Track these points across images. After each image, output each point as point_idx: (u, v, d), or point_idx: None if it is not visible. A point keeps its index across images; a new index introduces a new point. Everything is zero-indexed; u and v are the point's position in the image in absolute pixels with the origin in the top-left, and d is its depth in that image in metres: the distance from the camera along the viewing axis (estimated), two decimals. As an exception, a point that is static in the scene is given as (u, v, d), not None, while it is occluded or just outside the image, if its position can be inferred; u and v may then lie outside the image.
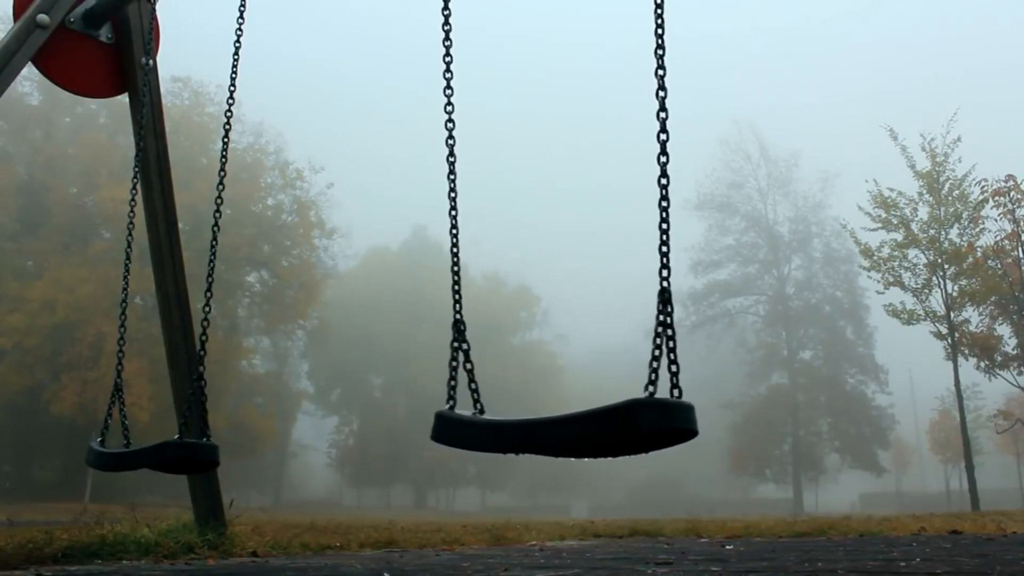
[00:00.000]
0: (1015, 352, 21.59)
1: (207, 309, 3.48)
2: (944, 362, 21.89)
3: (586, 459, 2.09)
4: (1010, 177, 21.08)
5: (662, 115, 1.99)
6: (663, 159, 1.97)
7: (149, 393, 28.42)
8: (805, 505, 45.61)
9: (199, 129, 35.94)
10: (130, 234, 4.02)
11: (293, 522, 8.62)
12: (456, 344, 2.30)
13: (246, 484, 45.02)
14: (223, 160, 3.71)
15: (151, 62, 4.42)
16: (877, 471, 46.97)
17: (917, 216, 21.88)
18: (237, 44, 3.78)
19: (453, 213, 2.51)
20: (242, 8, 3.82)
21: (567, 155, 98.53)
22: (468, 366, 2.28)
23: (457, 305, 2.39)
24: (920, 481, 64.76)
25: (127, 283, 3.96)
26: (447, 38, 2.58)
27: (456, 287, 2.43)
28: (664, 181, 1.96)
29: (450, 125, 2.52)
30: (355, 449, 56.70)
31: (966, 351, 21.49)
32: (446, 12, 2.59)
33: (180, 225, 4.65)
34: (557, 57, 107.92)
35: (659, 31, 2.05)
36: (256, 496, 45.73)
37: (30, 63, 4.05)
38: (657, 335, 1.86)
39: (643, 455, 2.04)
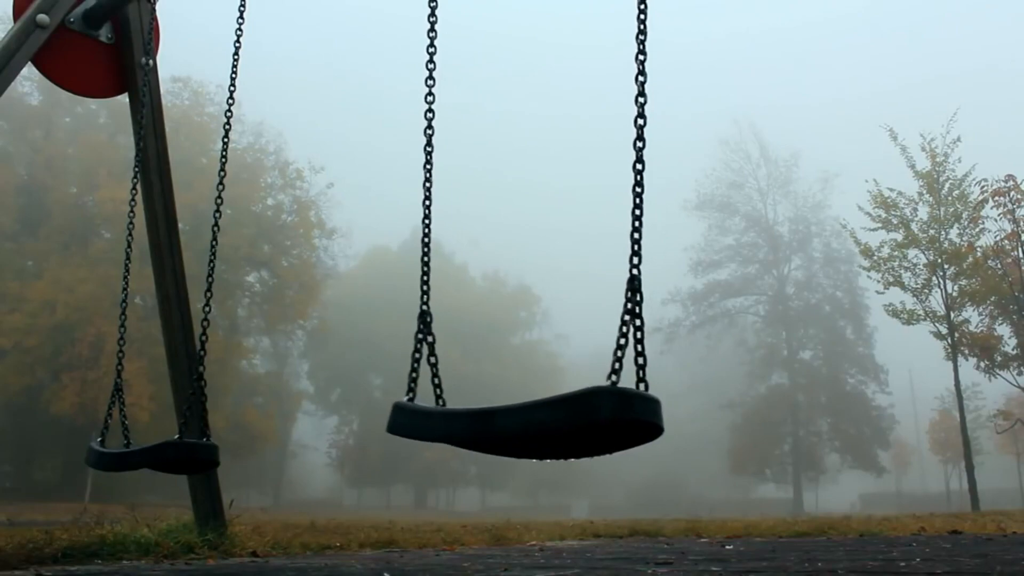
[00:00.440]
0: (1015, 352, 21.59)
1: (207, 309, 3.48)
2: (944, 362, 21.90)
3: (548, 460, 2.04)
4: (1010, 177, 21.09)
5: (640, 100, 1.96)
6: (639, 144, 1.93)
7: (149, 393, 28.42)
8: (805, 505, 45.60)
9: (199, 129, 35.94)
10: (130, 234, 4.02)
11: (293, 522, 8.62)
12: (421, 335, 2.25)
13: (246, 484, 45.06)
14: (223, 160, 3.71)
15: (151, 62, 4.41)
16: (877, 471, 46.96)
17: (917, 216, 21.90)
18: (237, 44, 3.78)
19: (427, 204, 2.49)
20: (242, 8, 3.82)
21: (567, 155, 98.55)
22: (432, 359, 2.23)
23: (424, 296, 2.34)
24: (920, 481, 64.75)
25: (127, 283, 3.96)
26: (432, 29, 2.57)
27: (425, 278, 2.39)
28: (640, 167, 1.93)
29: (429, 115, 2.50)
30: (355, 449, 56.69)
31: (966, 351, 21.49)
32: (433, 4, 2.59)
33: (180, 225, 4.65)
34: (558, 57, 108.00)
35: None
36: (256, 496, 45.79)
37: (30, 63, 4.05)
38: (624, 323, 1.79)
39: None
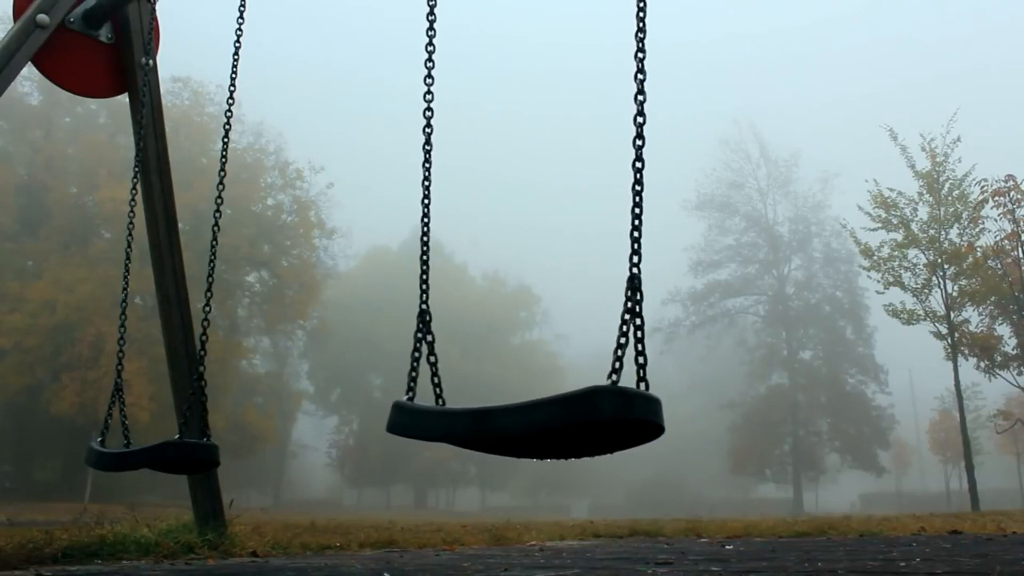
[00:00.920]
0: (1015, 352, 21.59)
1: (207, 309, 3.48)
2: (944, 362, 21.90)
3: (548, 460, 2.03)
4: (1010, 177, 21.09)
5: (640, 98, 1.97)
6: (639, 143, 1.94)
7: (149, 393, 28.41)
8: (805, 505, 45.60)
9: (199, 129, 35.93)
10: (130, 234, 4.02)
11: (293, 522, 8.62)
12: (420, 335, 2.24)
13: (246, 484, 45.05)
14: (223, 160, 3.71)
15: (151, 62, 4.41)
16: (877, 471, 46.96)
17: (917, 216, 21.90)
18: (237, 44, 3.78)
19: (426, 203, 2.49)
20: (242, 8, 3.82)
21: (567, 155, 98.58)
22: (432, 358, 2.22)
23: (424, 296, 2.33)
24: (920, 481, 64.74)
25: (127, 283, 3.96)
26: (431, 28, 2.58)
27: (424, 276, 2.38)
28: (639, 165, 1.93)
29: (428, 114, 2.50)
30: (355, 449, 56.68)
31: (966, 351, 21.49)
32: (432, 3, 2.59)
33: (180, 225, 4.66)
34: (557, 56, 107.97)
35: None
36: (256, 496, 45.79)
37: (30, 63, 4.05)
38: (624, 323, 1.79)
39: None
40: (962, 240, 21.49)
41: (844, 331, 49.07)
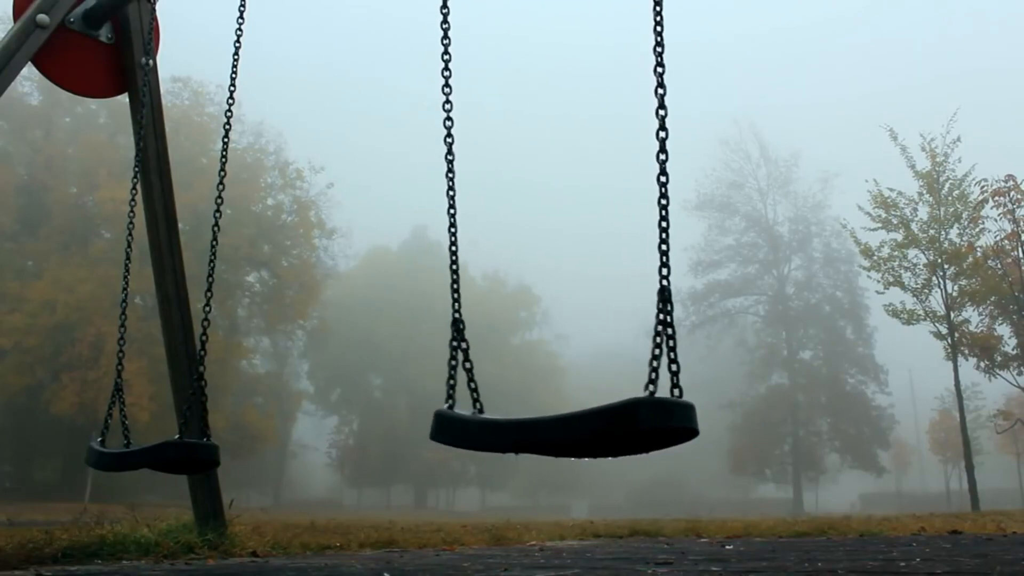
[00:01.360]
0: (1015, 352, 21.59)
1: (207, 309, 3.48)
2: (944, 362, 21.90)
3: (586, 459, 2.08)
4: (1010, 177, 21.10)
5: (661, 112, 1.99)
6: (662, 157, 1.97)
7: (149, 393, 28.42)
8: (805, 505, 45.60)
9: (199, 129, 35.94)
10: (130, 234, 4.02)
11: (293, 522, 8.62)
12: (455, 343, 2.28)
13: (246, 484, 45.04)
14: (223, 160, 3.71)
15: (151, 62, 4.41)
16: (877, 471, 46.97)
17: (917, 216, 21.91)
18: (237, 44, 3.78)
19: (452, 212, 2.50)
20: (242, 8, 3.81)
21: (567, 155, 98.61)
22: (467, 365, 2.26)
23: (456, 304, 2.37)
24: (920, 481, 64.76)
25: (127, 283, 3.95)
26: (445, 36, 2.58)
27: (455, 286, 2.42)
28: (663, 179, 1.96)
29: (448, 123, 2.52)
30: (355, 449, 56.69)
31: (966, 351, 21.49)
32: (444, 11, 2.59)
33: (180, 225, 4.66)
34: (557, 56, 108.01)
35: (658, 28, 2.05)
36: (256, 496, 45.77)
37: (30, 63, 4.05)
38: (657, 334, 1.85)
39: (643, 455, 2.04)
40: (962, 240, 21.50)
41: (844, 331, 49.08)
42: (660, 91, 2.00)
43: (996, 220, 21.36)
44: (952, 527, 7.26)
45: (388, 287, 55.74)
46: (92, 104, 33.06)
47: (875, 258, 22.28)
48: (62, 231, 33.10)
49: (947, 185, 21.58)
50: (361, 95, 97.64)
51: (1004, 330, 21.78)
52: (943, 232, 21.51)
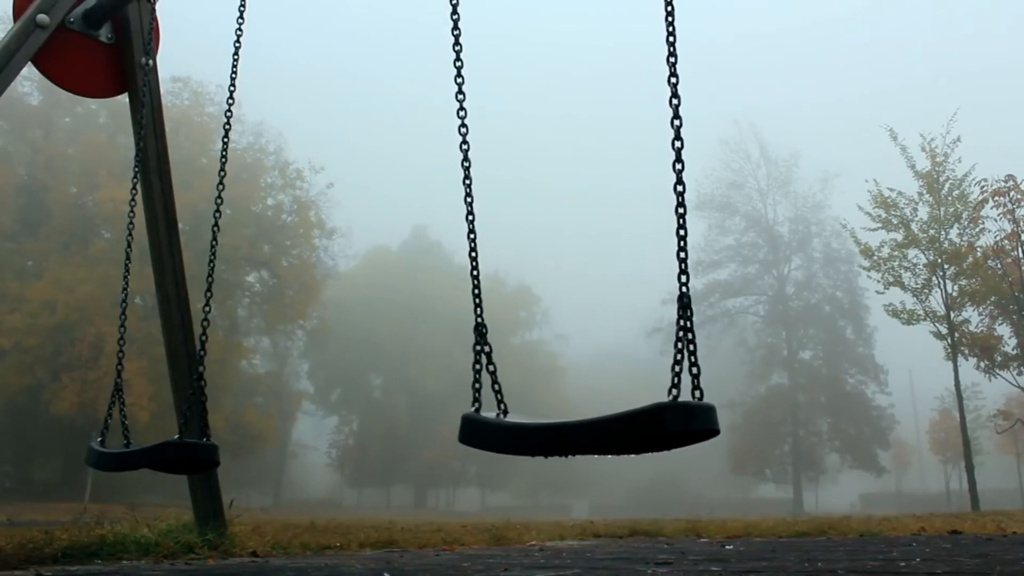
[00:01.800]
0: (1015, 352, 21.59)
1: (207, 309, 3.48)
2: (944, 362, 21.90)
3: (608, 456, 2.13)
4: (1010, 177, 21.09)
5: (676, 122, 2.00)
6: (679, 166, 1.99)
7: (149, 393, 28.42)
8: (805, 505, 45.60)
9: (199, 129, 35.93)
10: (130, 234, 4.02)
11: (293, 522, 8.62)
12: (479, 347, 2.31)
13: (246, 484, 45.03)
14: (223, 160, 3.71)
15: (151, 62, 4.41)
16: (877, 471, 46.96)
17: (917, 216, 21.90)
18: (237, 44, 3.78)
19: (470, 218, 2.51)
20: (242, 8, 3.82)
21: (567, 155, 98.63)
22: (491, 368, 2.30)
23: (478, 309, 2.41)
24: (920, 481, 64.75)
25: (127, 283, 3.96)
26: (456, 43, 2.58)
27: (476, 291, 2.47)
28: (680, 188, 1.99)
29: (463, 130, 2.53)
30: (355, 449, 56.68)
31: (966, 351, 21.49)
32: (455, 16, 2.59)
33: (180, 225, 4.65)
34: (558, 57, 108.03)
35: (671, 39, 2.05)
36: (256, 496, 45.76)
37: (30, 63, 4.05)
38: (679, 339, 1.92)
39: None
40: (962, 240, 21.50)
41: (844, 331, 49.07)
42: (675, 101, 2.02)
43: (996, 220, 21.38)
44: (952, 527, 7.26)
45: (388, 287, 55.72)
46: (92, 104, 33.06)
47: (875, 258, 22.28)
48: (62, 231, 33.10)
49: (947, 185, 21.58)
50: (361, 95, 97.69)
51: (1004, 330, 21.78)
52: (943, 232, 21.51)
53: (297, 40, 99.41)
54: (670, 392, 1.85)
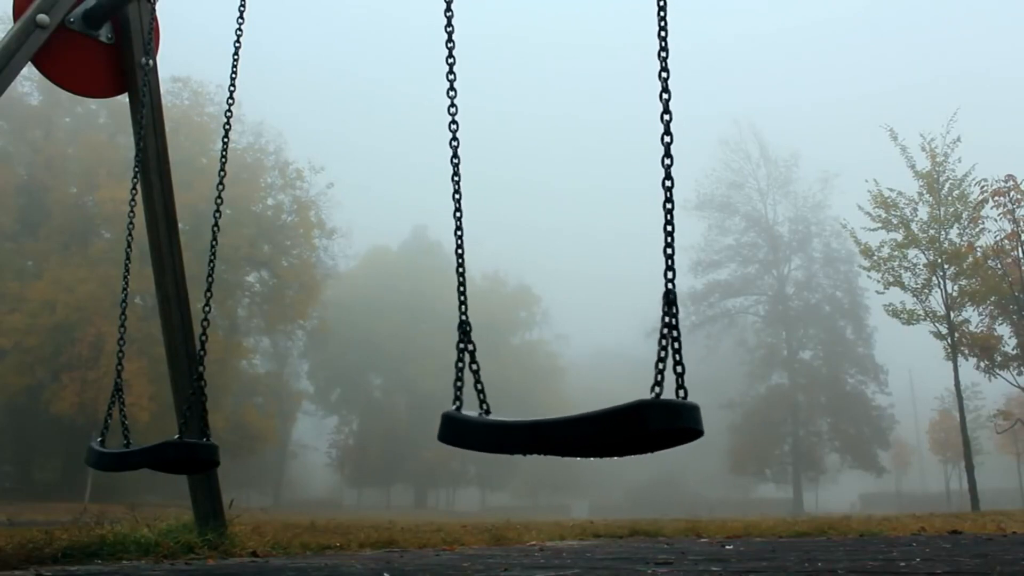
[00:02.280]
0: (1015, 352, 21.59)
1: (207, 309, 3.48)
2: (944, 362, 21.90)
3: (592, 459, 2.10)
4: (1010, 177, 21.10)
5: (666, 117, 1.99)
6: (667, 161, 1.97)
7: (149, 393, 28.41)
8: (805, 505, 45.60)
9: (199, 129, 35.93)
10: (130, 234, 4.02)
11: (293, 522, 8.62)
12: (462, 345, 2.29)
13: (246, 484, 45.04)
14: (223, 160, 3.71)
15: (151, 62, 4.41)
16: (877, 471, 46.96)
17: (917, 216, 21.90)
18: (237, 44, 3.78)
19: (458, 215, 2.50)
20: (242, 8, 3.82)
21: (568, 155, 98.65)
22: (474, 367, 2.27)
23: (463, 306, 2.37)
24: (920, 481, 64.75)
25: (127, 283, 3.95)
26: (450, 39, 2.58)
27: (461, 288, 2.42)
28: (668, 184, 1.97)
29: (454, 127, 2.52)
30: (355, 449, 56.68)
31: (966, 351, 21.48)
32: (449, 14, 2.59)
33: (180, 225, 4.65)
34: (558, 57, 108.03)
35: (662, 34, 2.05)
36: (256, 496, 45.77)
37: (30, 63, 4.05)
38: (663, 336, 1.89)
39: (643, 456, 2.05)
40: (962, 240, 21.49)
41: (844, 331, 49.07)
42: (665, 96, 2.00)
43: (996, 220, 21.39)
44: (952, 527, 7.26)
45: (388, 287, 55.72)
46: (92, 104, 33.06)
47: (875, 258, 22.27)
48: (62, 231, 33.10)
49: (947, 185, 21.58)
50: (361, 95, 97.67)
51: (1004, 330, 21.78)
52: (943, 232, 21.51)
53: (297, 40, 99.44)
54: (653, 390, 1.81)
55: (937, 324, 21.41)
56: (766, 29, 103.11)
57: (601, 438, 1.83)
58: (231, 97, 3.80)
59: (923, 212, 21.85)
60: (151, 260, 4.50)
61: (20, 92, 31.52)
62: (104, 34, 4.41)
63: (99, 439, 3.61)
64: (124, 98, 4.66)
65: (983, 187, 21.21)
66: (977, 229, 21.48)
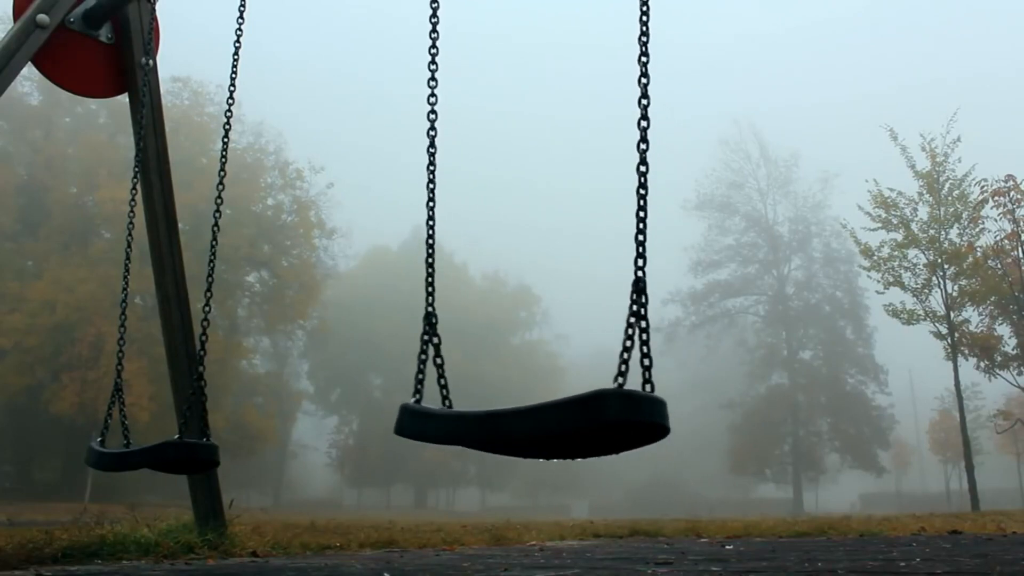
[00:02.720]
0: (1015, 352, 21.58)
1: (207, 309, 3.48)
2: (944, 362, 21.89)
3: (555, 460, 2.04)
4: (1010, 177, 21.09)
5: (643, 102, 1.97)
6: (643, 146, 1.93)
7: (149, 393, 28.41)
8: (805, 505, 45.60)
9: (199, 129, 35.93)
10: (130, 234, 4.02)
11: (293, 522, 8.62)
12: (427, 337, 2.24)
13: (246, 484, 45.05)
14: (223, 160, 3.71)
15: (151, 62, 4.41)
16: (877, 471, 46.96)
17: (917, 216, 21.89)
18: (237, 44, 3.78)
19: (430, 205, 2.48)
20: (242, 8, 3.82)
21: (568, 155, 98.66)
22: (438, 360, 2.23)
23: (430, 298, 2.33)
24: (920, 481, 64.75)
25: (127, 283, 3.96)
26: (434, 30, 2.58)
27: (430, 279, 2.38)
28: (643, 169, 1.93)
29: (432, 116, 2.50)
30: (355, 449, 56.69)
31: (966, 351, 21.48)
32: (434, 5, 2.59)
33: (180, 225, 4.66)
34: (558, 58, 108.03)
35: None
36: (256, 496, 45.78)
37: (30, 63, 4.05)
38: (629, 325, 1.80)
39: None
40: (962, 240, 21.49)
41: (844, 331, 49.08)
42: (644, 80, 1.98)
43: (996, 220, 21.37)
44: (952, 527, 7.26)
45: (388, 287, 55.70)
46: (92, 104, 33.06)
47: (875, 258, 22.27)
48: (62, 231, 33.10)
49: (947, 185, 21.57)
50: (361, 95, 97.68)
51: (1004, 330, 21.77)
52: (943, 232, 21.50)
53: (297, 40, 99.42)
54: (615, 380, 1.73)
55: (937, 324, 21.41)
56: (766, 29, 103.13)
57: (559, 428, 1.73)
58: (231, 97, 3.80)
59: (923, 212, 21.87)
60: (151, 260, 4.50)
61: (20, 92, 31.51)
62: (104, 34, 4.41)
63: (99, 439, 3.61)
64: (124, 98, 4.66)
65: (983, 187, 21.22)
66: (977, 229, 21.49)
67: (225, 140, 3.80)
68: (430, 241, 2.44)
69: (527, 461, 2.12)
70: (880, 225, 22.24)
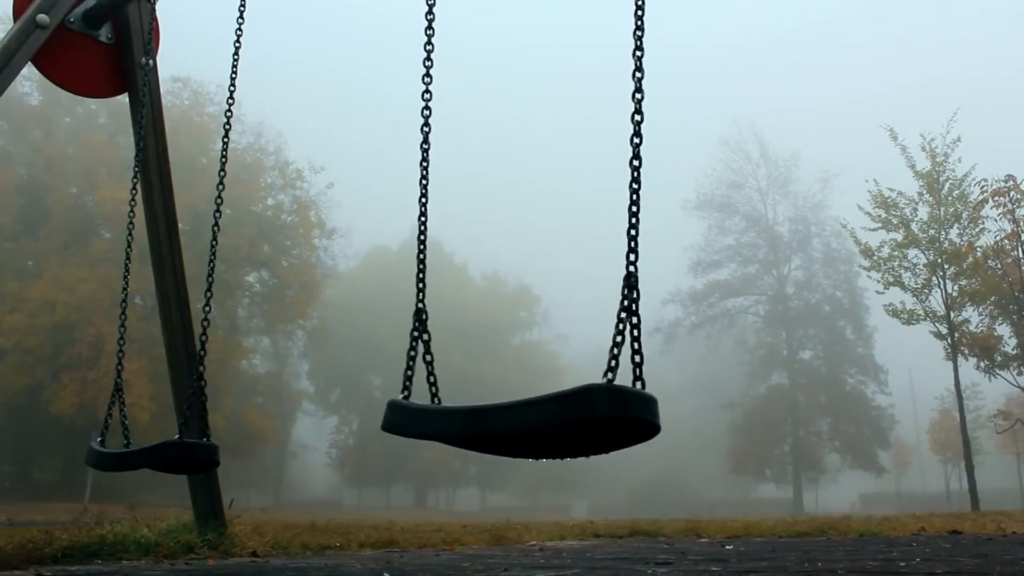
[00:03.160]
0: (1015, 352, 21.58)
1: (207, 309, 3.48)
2: (944, 362, 21.89)
3: (543, 460, 2.02)
4: (1010, 177, 21.08)
5: (638, 96, 1.96)
6: (636, 140, 1.93)
7: (149, 393, 28.41)
8: (805, 505, 45.61)
9: (199, 129, 35.93)
10: (130, 234, 4.02)
11: (293, 522, 8.62)
12: (416, 333, 2.23)
13: (246, 484, 45.03)
14: (223, 160, 3.71)
15: (151, 62, 4.41)
16: (877, 471, 46.97)
17: (917, 216, 21.89)
18: (237, 44, 3.78)
19: (423, 201, 2.48)
20: (242, 8, 3.82)
21: (568, 156, 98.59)
22: (428, 357, 2.21)
23: (420, 294, 2.31)
24: (920, 481, 64.75)
25: (127, 283, 3.96)
26: (429, 27, 2.58)
27: (421, 276, 2.37)
28: (636, 163, 1.92)
29: (426, 112, 2.50)
30: (355, 449, 56.69)
31: (966, 351, 21.48)
32: (430, 2, 2.59)
33: (180, 225, 4.66)
34: (559, 58, 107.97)
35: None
36: (256, 496, 45.75)
37: (30, 63, 4.05)
38: (620, 321, 1.77)
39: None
40: (962, 240, 21.48)
41: (844, 331, 49.08)
42: (638, 75, 1.98)
43: (996, 220, 21.36)
44: (952, 527, 7.26)
45: (388, 287, 55.66)
46: (92, 104, 33.05)
47: (875, 258, 22.26)
48: (62, 231, 33.09)
49: (947, 185, 21.57)
50: (361, 95, 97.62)
51: (1004, 330, 21.76)
52: (943, 232, 21.50)
53: (297, 40, 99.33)
54: (605, 375, 1.68)
55: (937, 324, 21.40)
56: (766, 29, 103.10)
57: (546, 423, 1.69)
58: (231, 97, 3.80)
59: (923, 212, 21.87)
60: (151, 260, 4.50)
61: (20, 92, 31.51)
62: (104, 34, 4.41)
63: (99, 439, 3.61)
64: (124, 98, 4.66)
65: (983, 187, 21.22)
66: (977, 229, 21.48)
67: (225, 140, 3.80)
68: (422, 237, 2.44)
69: (527, 461, 2.10)
70: (880, 225, 22.24)
